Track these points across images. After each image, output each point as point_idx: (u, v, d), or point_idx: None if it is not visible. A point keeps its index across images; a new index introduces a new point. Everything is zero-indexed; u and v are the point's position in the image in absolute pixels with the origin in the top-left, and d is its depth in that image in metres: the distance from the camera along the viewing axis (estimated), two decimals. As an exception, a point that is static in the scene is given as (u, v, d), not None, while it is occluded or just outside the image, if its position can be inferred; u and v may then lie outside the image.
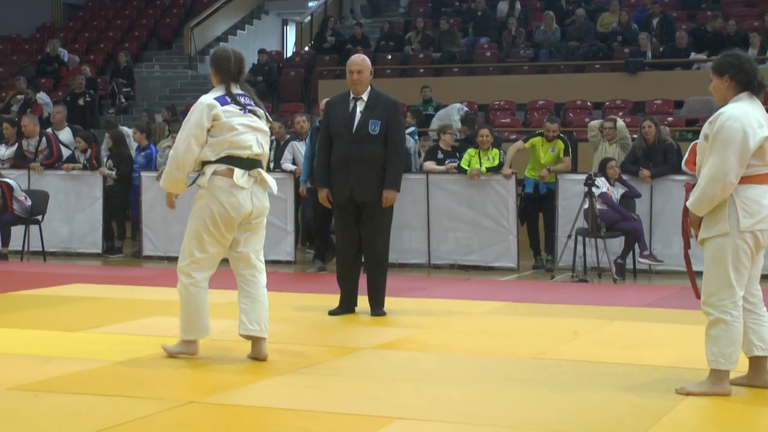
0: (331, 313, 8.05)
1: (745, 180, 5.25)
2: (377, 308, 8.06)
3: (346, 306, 8.11)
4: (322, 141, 8.22)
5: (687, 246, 5.62)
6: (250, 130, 6.15)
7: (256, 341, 6.27)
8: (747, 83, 5.38)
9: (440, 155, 12.58)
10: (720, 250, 5.27)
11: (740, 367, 5.42)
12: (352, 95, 8.08)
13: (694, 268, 5.64)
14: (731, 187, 5.21)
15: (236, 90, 6.22)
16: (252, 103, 6.25)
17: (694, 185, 5.43)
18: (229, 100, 6.16)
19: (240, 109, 6.15)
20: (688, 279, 5.71)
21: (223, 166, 6.08)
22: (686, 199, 5.50)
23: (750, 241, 5.26)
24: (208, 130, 6.09)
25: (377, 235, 8.04)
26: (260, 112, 6.26)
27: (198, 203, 6.16)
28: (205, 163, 6.13)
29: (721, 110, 5.35)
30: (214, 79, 6.31)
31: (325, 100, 11.46)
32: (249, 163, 6.14)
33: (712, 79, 5.47)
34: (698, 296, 5.50)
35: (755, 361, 5.44)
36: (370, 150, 7.94)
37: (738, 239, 5.25)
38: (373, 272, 8.10)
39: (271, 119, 6.42)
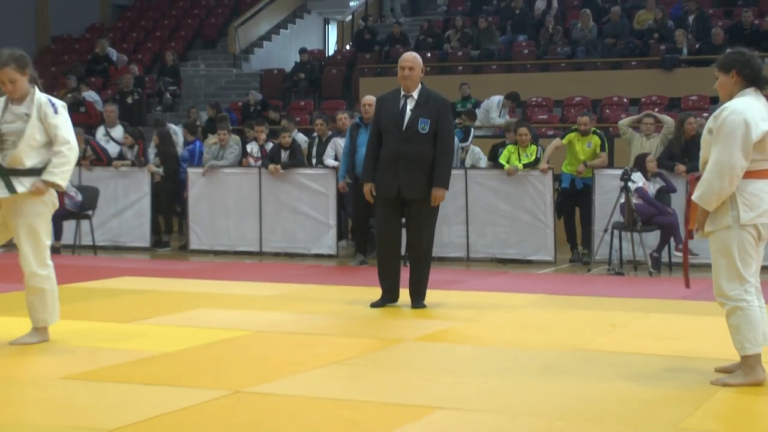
0: (373, 305, 8.11)
1: (747, 175, 5.28)
2: (418, 301, 8.10)
3: (388, 299, 8.16)
4: (372, 137, 8.20)
5: (689, 236, 5.72)
6: None
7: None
8: (753, 78, 5.42)
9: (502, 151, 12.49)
10: (725, 243, 5.33)
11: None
12: (402, 92, 8.05)
13: (701, 260, 5.77)
14: (738, 179, 5.25)
15: None
16: None
17: (699, 177, 5.47)
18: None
19: None
20: (684, 269, 5.91)
21: None
22: (691, 192, 5.54)
23: (753, 232, 5.33)
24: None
25: (423, 232, 8.06)
26: None
27: (38, 201, 6.43)
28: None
29: (725, 104, 5.39)
30: (26, 82, 6.42)
31: (366, 97, 11.61)
32: None
33: (718, 77, 5.49)
34: (688, 286, 5.73)
35: None
36: (419, 148, 7.93)
37: (741, 231, 5.31)
38: (417, 267, 8.10)
39: None
